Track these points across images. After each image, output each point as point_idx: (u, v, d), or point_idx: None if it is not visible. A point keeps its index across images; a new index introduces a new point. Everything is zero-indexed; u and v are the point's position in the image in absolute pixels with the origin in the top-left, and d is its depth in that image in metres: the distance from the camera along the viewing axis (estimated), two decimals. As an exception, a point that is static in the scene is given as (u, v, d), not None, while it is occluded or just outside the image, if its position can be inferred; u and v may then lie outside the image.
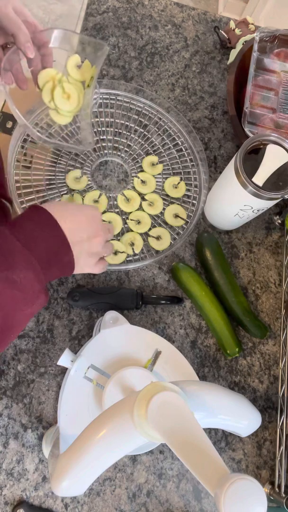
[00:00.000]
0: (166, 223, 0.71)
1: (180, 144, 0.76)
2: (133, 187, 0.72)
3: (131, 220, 0.69)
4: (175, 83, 0.82)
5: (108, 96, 0.76)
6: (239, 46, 0.80)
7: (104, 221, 0.62)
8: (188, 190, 0.73)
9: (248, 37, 0.81)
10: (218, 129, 0.79)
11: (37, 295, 0.43)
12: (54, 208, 0.47)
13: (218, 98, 0.82)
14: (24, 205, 0.66)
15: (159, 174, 0.73)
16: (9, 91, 0.57)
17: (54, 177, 0.70)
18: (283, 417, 0.62)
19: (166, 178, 0.73)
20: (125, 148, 0.74)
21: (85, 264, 0.51)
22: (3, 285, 0.40)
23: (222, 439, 0.62)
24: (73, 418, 0.54)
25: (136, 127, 0.76)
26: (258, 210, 0.62)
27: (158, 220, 0.71)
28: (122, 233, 0.69)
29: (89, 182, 0.71)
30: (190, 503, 0.59)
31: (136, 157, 0.74)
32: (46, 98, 0.61)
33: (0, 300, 0.40)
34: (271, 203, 0.60)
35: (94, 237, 0.50)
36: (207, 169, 0.73)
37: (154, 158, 0.74)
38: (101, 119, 0.75)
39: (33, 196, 0.68)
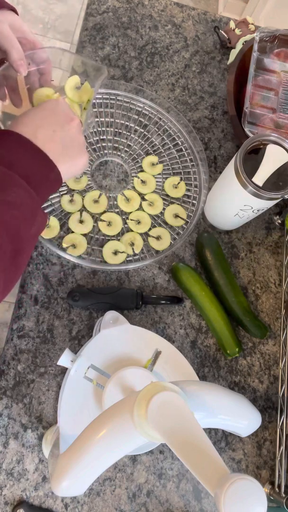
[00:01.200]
0: (166, 223, 0.71)
1: (180, 144, 0.76)
2: (133, 187, 0.72)
3: (131, 220, 0.69)
4: (175, 83, 0.82)
5: (108, 96, 0.76)
6: (239, 46, 0.80)
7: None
8: (188, 190, 0.73)
9: (248, 37, 0.81)
10: (218, 129, 0.80)
11: (35, 213, 0.44)
12: (20, 125, 0.46)
13: (218, 98, 0.82)
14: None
15: (159, 174, 0.73)
16: (2, 107, 0.56)
17: (54, 177, 0.70)
18: (283, 417, 0.62)
19: (166, 178, 0.73)
20: (125, 148, 0.74)
21: (71, 163, 0.50)
22: (1, 207, 0.40)
23: (222, 439, 0.62)
24: (73, 418, 0.54)
25: (136, 127, 0.76)
26: (258, 210, 0.62)
27: (158, 220, 0.71)
28: (122, 233, 0.69)
29: (89, 182, 0.71)
30: (190, 503, 0.59)
31: (136, 157, 0.74)
32: None
33: (3, 223, 0.40)
34: (271, 203, 0.60)
35: (68, 128, 0.50)
36: (207, 169, 0.73)
37: (154, 158, 0.74)
38: (101, 119, 0.75)
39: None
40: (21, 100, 0.59)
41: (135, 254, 0.68)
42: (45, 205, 0.67)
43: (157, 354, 0.54)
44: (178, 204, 0.72)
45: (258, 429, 0.60)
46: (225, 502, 0.29)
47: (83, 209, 0.69)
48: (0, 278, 0.41)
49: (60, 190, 0.69)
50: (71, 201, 0.68)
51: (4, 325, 1.40)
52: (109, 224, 0.68)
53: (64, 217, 0.68)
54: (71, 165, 0.50)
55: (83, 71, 0.61)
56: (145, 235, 0.69)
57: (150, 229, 0.70)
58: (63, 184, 0.69)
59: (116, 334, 0.58)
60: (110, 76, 0.79)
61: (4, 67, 0.55)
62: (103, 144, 0.74)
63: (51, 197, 0.68)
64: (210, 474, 0.32)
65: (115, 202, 0.71)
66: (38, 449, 0.57)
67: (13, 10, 0.54)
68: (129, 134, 0.75)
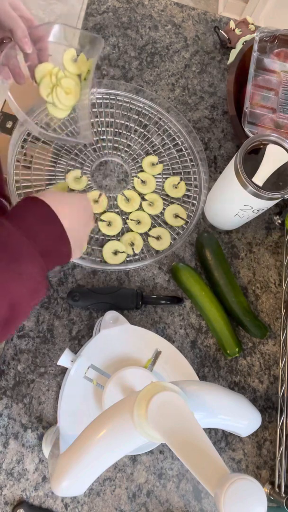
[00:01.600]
0: (166, 223, 0.71)
1: (180, 144, 0.76)
2: (133, 187, 0.72)
3: (131, 220, 0.69)
4: (175, 83, 0.82)
5: (108, 96, 0.76)
6: (239, 46, 0.80)
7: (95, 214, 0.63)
8: (188, 190, 0.73)
9: (248, 37, 0.81)
10: (218, 129, 0.79)
11: (41, 288, 0.45)
12: (51, 199, 0.47)
13: (218, 98, 0.82)
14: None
15: (159, 174, 0.73)
16: (9, 86, 0.57)
17: (54, 177, 0.70)
18: (283, 417, 0.62)
19: (166, 178, 0.73)
20: (125, 148, 0.74)
21: (77, 250, 0.52)
22: (12, 278, 0.41)
23: (222, 439, 0.62)
24: (73, 418, 0.54)
25: (136, 127, 0.76)
26: (258, 210, 0.62)
27: (158, 220, 0.71)
28: (122, 233, 0.69)
29: (89, 182, 0.71)
30: (190, 503, 0.59)
31: (136, 157, 0.74)
32: (44, 92, 0.62)
33: (8, 292, 0.41)
34: (271, 203, 0.60)
35: (86, 225, 0.53)
36: (207, 169, 0.73)
37: (154, 158, 0.74)
38: (101, 119, 0.75)
39: (33, 196, 0.68)
40: (24, 77, 0.60)
41: (135, 254, 0.68)
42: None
43: (157, 354, 0.54)
44: (178, 204, 0.72)
45: (258, 429, 0.60)
46: (225, 502, 0.29)
47: (83, 209, 0.69)
48: None
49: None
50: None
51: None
52: (109, 224, 0.68)
53: (64, 217, 0.67)
54: (80, 246, 0.53)
55: (79, 44, 0.62)
56: (145, 235, 0.69)
57: (150, 229, 0.70)
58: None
59: (116, 334, 0.58)
60: (110, 76, 0.79)
61: (10, 46, 0.56)
62: (103, 144, 0.74)
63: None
64: (210, 474, 0.32)
65: (115, 202, 0.71)
66: (38, 449, 0.57)
67: None
68: (129, 134, 0.75)
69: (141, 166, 0.73)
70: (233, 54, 0.81)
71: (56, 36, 0.60)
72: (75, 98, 0.63)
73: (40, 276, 0.44)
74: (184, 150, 0.75)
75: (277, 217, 0.74)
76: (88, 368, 0.54)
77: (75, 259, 0.64)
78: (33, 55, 0.59)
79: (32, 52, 0.58)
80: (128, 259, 0.67)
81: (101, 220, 0.68)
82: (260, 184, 0.56)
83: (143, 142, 0.75)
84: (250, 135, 0.69)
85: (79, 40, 0.62)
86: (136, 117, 0.76)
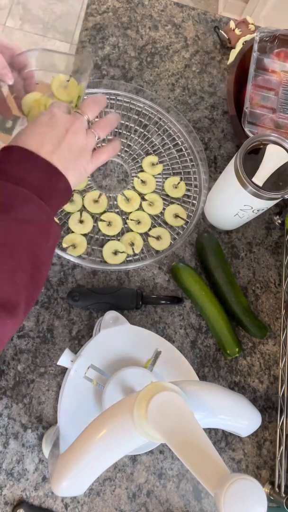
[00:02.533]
0: (166, 223, 0.71)
1: (180, 144, 0.76)
2: (133, 187, 0.72)
3: (131, 220, 0.69)
4: (175, 83, 0.82)
5: (108, 96, 0.76)
6: (239, 46, 0.80)
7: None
8: (188, 190, 0.73)
9: (248, 37, 0.81)
10: (218, 129, 0.80)
11: (49, 225, 0.43)
12: (20, 139, 0.45)
13: (218, 98, 0.82)
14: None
15: (159, 174, 0.73)
16: None
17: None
18: (283, 417, 0.62)
19: (166, 178, 0.73)
20: (125, 148, 0.74)
21: (78, 170, 0.49)
22: (15, 226, 0.40)
23: (222, 439, 0.62)
24: (73, 418, 0.54)
25: (136, 127, 0.76)
26: (258, 210, 0.62)
27: (158, 220, 0.71)
28: (122, 233, 0.69)
29: (89, 182, 0.71)
30: (190, 503, 0.59)
31: (136, 157, 0.74)
32: None
33: (20, 242, 0.40)
34: (271, 203, 0.60)
35: (66, 133, 0.48)
36: (207, 169, 0.73)
37: (154, 158, 0.74)
38: (101, 119, 0.75)
39: (33, 196, 0.68)
40: (11, 110, 0.57)
41: (135, 254, 0.68)
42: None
43: (157, 354, 0.54)
44: (178, 204, 0.72)
45: (258, 429, 0.60)
46: (225, 502, 0.29)
47: (83, 209, 0.69)
48: (22, 296, 0.40)
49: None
50: (71, 201, 0.68)
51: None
52: (109, 224, 0.68)
53: (64, 217, 0.68)
54: (79, 172, 0.49)
55: (67, 67, 0.58)
56: (145, 235, 0.69)
57: (150, 229, 0.70)
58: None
59: (116, 334, 0.58)
60: (110, 76, 0.79)
61: None
62: (103, 144, 0.74)
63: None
64: (210, 474, 0.32)
65: (115, 202, 0.71)
66: (38, 449, 0.57)
67: None
68: (129, 134, 0.75)
69: (141, 166, 0.73)
70: (233, 54, 0.81)
71: (41, 62, 0.56)
72: None
73: (46, 216, 0.42)
74: (184, 150, 0.75)
75: (277, 217, 0.74)
76: (88, 368, 0.54)
77: (75, 259, 0.64)
78: (18, 85, 0.56)
79: (17, 83, 0.55)
80: (128, 259, 0.67)
81: (101, 220, 0.68)
82: (260, 184, 0.56)
83: (143, 142, 0.75)
84: (250, 135, 0.69)
85: (67, 64, 0.58)
86: (136, 117, 0.76)
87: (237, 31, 0.83)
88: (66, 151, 0.47)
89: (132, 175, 0.73)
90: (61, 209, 0.67)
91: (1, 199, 0.41)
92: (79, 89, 0.58)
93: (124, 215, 0.70)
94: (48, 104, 0.56)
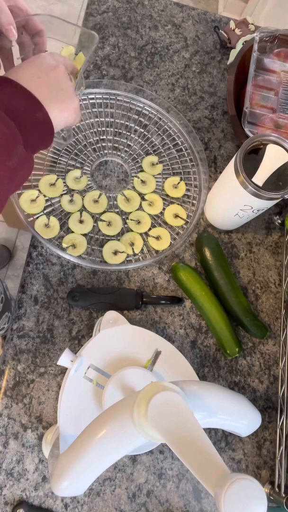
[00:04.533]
0: (166, 223, 0.71)
1: (180, 144, 0.76)
2: (133, 187, 0.72)
3: (131, 220, 0.69)
4: (175, 83, 0.82)
5: (108, 96, 0.76)
6: (239, 46, 0.80)
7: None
8: (188, 190, 0.73)
9: (248, 37, 0.81)
10: (218, 129, 0.80)
11: (14, 145, 0.42)
12: (7, 73, 0.46)
13: (218, 98, 0.82)
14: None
15: (159, 174, 0.73)
16: None
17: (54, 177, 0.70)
18: (283, 417, 0.62)
19: (166, 178, 0.73)
20: (125, 148, 0.74)
21: (61, 106, 0.48)
22: None
23: (222, 439, 0.62)
24: (73, 418, 0.54)
25: (136, 127, 0.76)
26: (258, 210, 0.62)
27: (158, 220, 0.71)
28: (122, 233, 0.69)
29: (89, 182, 0.71)
30: (190, 503, 0.59)
31: (136, 157, 0.74)
32: None
33: None
34: (271, 203, 0.60)
35: (51, 70, 0.48)
36: (207, 169, 0.73)
37: (154, 158, 0.74)
38: (101, 119, 0.75)
39: (33, 196, 0.68)
40: None
41: (135, 254, 0.68)
42: (45, 204, 0.67)
43: (157, 354, 0.54)
44: (178, 204, 0.72)
45: (258, 429, 0.60)
46: (225, 501, 0.29)
47: (83, 209, 0.69)
48: None
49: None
50: (71, 201, 0.68)
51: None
52: (109, 224, 0.68)
53: (64, 217, 0.68)
54: (62, 109, 0.48)
55: (80, 41, 0.60)
56: (145, 235, 0.69)
57: (150, 229, 0.70)
58: (64, 186, 0.69)
59: (116, 334, 0.58)
60: (110, 76, 0.79)
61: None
62: (103, 144, 0.74)
63: (51, 197, 0.68)
64: (210, 474, 0.32)
65: (115, 202, 0.71)
66: (38, 449, 0.57)
67: None
68: (129, 134, 0.75)
69: (141, 166, 0.73)
70: (233, 54, 0.81)
71: (55, 32, 0.58)
72: None
73: (9, 132, 0.41)
74: (184, 150, 0.75)
75: (277, 217, 0.74)
76: (88, 368, 0.54)
77: (75, 259, 0.64)
78: (28, 48, 0.57)
79: (28, 46, 0.57)
80: (128, 259, 0.67)
81: (101, 220, 0.68)
82: (260, 184, 0.56)
83: (143, 142, 0.75)
84: (250, 135, 0.69)
85: (79, 38, 0.60)
86: (136, 117, 0.76)
87: (237, 31, 0.83)
88: (47, 84, 0.47)
89: (132, 175, 0.73)
90: (61, 209, 0.67)
91: None
92: (81, 62, 0.59)
93: (124, 215, 0.70)
94: None
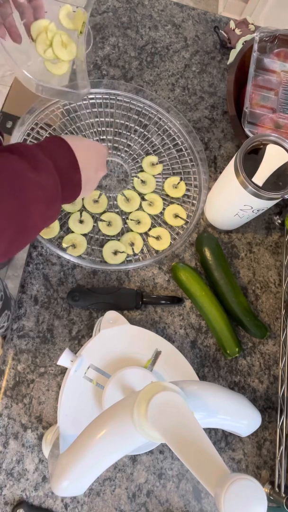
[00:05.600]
0: (166, 223, 0.71)
1: (180, 144, 0.76)
2: (133, 187, 0.72)
3: (131, 220, 0.69)
4: (175, 83, 0.82)
5: (108, 96, 0.76)
6: (239, 46, 0.80)
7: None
8: (188, 190, 0.73)
9: (248, 37, 0.81)
10: (218, 129, 0.80)
11: (55, 200, 0.50)
12: (71, 140, 0.54)
13: (218, 98, 0.82)
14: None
15: (159, 174, 0.73)
16: (5, 44, 0.57)
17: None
18: (283, 417, 0.62)
19: (166, 178, 0.73)
20: (125, 148, 0.74)
21: (87, 190, 0.58)
22: (33, 184, 0.46)
23: (222, 439, 0.62)
24: (73, 418, 0.54)
25: (136, 127, 0.76)
26: (258, 210, 0.62)
27: (158, 220, 0.71)
28: (122, 233, 0.69)
29: (89, 182, 0.71)
30: (190, 503, 0.59)
31: (136, 157, 0.74)
32: (40, 49, 0.61)
33: (29, 195, 0.45)
34: (271, 203, 0.60)
35: (100, 170, 0.59)
36: (207, 169, 0.73)
37: (154, 158, 0.74)
38: (101, 119, 0.75)
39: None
40: (20, 36, 0.60)
41: (135, 254, 0.68)
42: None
43: (157, 354, 0.54)
44: (178, 204, 0.72)
45: (258, 429, 0.60)
46: (225, 501, 0.29)
47: (83, 209, 0.69)
48: (4, 239, 0.44)
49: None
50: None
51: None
52: (109, 224, 0.68)
53: (64, 217, 0.68)
54: (91, 175, 0.57)
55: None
56: (145, 235, 0.69)
57: (150, 229, 0.70)
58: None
59: (116, 334, 0.58)
60: (110, 76, 0.79)
61: (2, 4, 0.55)
62: (103, 144, 0.74)
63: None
64: (210, 474, 0.32)
65: (115, 202, 0.71)
66: (38, 449, 0.57)
67: None
68: (129, 134, 0.75)
69: (141, 166, 0.73)
70: (233, 54, 0.81)
71: None
72: (72, 51, 0.63)
73: (55, 190, 0.49)
74: (184, 150, 0.75)
75: (277, 217, 0.74)
76: (88, 368, 0.54)
77: (75, 259, 0.64)
78: (28, 13, 0.59)
79: (28, 10, 0.58)
80: (128, 259, 0.67)
81: (101, 220, 0.68)
82: (260, 184, 0.56)
83: (143, 142, 0.75)
84: (250, 135, 0.69)
85: None
86: (136, 117, 0.76)
87: (237, 31, 0.83)
88: (89, 174, 0.56)
89: (132, 175, 0.73)
90: (61, 209, 0.67)
91: (34, 162, 0.48)
92: (84, 17, 0.63)
93: (124, 215, 0.70)
94: (54, 30, 0.61)
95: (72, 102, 0.72)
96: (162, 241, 0.69)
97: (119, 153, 0.74)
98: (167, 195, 0.72)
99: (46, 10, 0.61)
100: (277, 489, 0.58)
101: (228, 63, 0.85)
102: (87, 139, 0.60)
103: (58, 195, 0.50)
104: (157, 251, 0.69)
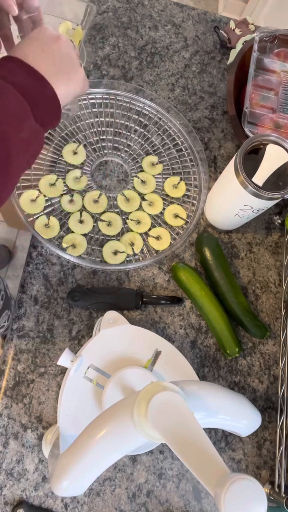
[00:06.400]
0: (166, 223, 0.71)
1: (180, 144, 0.76)
2: (133, 187, 0.72)
3: (131, 220, 0.69)
4: (175, 83, 0.82)
5: (108, 96, 0.76)
6: (239, 46, 0.80)
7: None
8: (188, 190, 0.73)
9: (248, 37, 0.81)
10: (218, 129, 0.80)
11: (25, 117, 0.43)
12: (13, 51, 0.47)
13: (218, 98, 0.82)
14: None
15: (159, 174, 0.73)
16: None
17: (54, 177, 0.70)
18: (283, 417, 0.62)
19: (166, 178, 0.73)
20: (125, 148, 0.74)
21: (67, 79, 0.49)
22: None
23: (222, 439, 0.62)
24: (73, 418, 0.54)
25: (136, 127, 0.76)
26: (258, 210, 0.62)
27: (158, 220, 0.71)
28: (122, 233, 0.69)
29: (89, 182, 0.71)
30: (190, 503, 0.59)
31: (136, 157, 0.74)
32: None
33: None
34: (271, 203, 0.60)
35: (53, 42, 0.49)
36: (207, 169, 0.73)
37: (154, 158, 0.74)
38: (101, 119, 0.75)
39: (33, 196, 0.68)
40: None
41: (135, 254, 0.68)
42: (45, 204, 0.67)
43: (157, 354, 0.54)
44: (178, 204, 0.72)
45: (258, 429, 0.60)
46: (225, 501, 0.29)
47: (83, 209, 0.69)
48: None
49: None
50: (71, 201, 0.68)
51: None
52: (109, 224, 0.68)
53: (64, 217, 0.68)
54: (68, 81, 0.49)
55: (76, 15, 0.63)
56: (145, 235, 0.69)
57: (150, 229, 0.70)
58: (64, 186, 0.69)
59: (116, 334, 0.58)
60: (110, 76, 0.79)
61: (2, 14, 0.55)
62: (103, 144, 0.74)
63: (51, 197, 0.68)
64: (210, 474, 0.32)
65: (115, 202, 0.71)
66: (38, 449, 0.57)
67: None
68: (129, 134, 0.75)
69: (141, 166, 0.73)
70: (233, 54, 0.81)
71: (51, 9, 0.60)
72: None
73: (22, 110, 0.42)
74: (184, 150, 0.75)
75: (277, 217, 0.74)
76: (88, 368, 0.54)
77: (75, 259, 0.64)
78: (26, 26, 0.58)
79: (26, 23, 0.58)
80: (128, 259, 0.67)
81: (101, 220, 0.68)
82: (260, 184, 0.56)
83: (143, 142, 0.75)
84: (250, 135, 0.69)
85: (73, 12, 0.62)
86: (136, 117, 0.76)
87: (237, 31, 0.83)
88: (51, 57, 0.48)
89: (132, 175, 0.73)
90: (61, 209, 0.67)
91: None
92: (81, 35, 0.62)
93: (124, 215, 0.70)
94: None
95: (64, 120, 0.72)
96: (162, 241, 0.69)
97: (119, 153, 0.74)
98: (167, 195, 0.72)
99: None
100: (277, 489, 0.58)
101: (228, 63, 0.85)
102: (22, 40, 0.50)
103: (26, 111, 0.43)
104: (157, 251, 0.69)
